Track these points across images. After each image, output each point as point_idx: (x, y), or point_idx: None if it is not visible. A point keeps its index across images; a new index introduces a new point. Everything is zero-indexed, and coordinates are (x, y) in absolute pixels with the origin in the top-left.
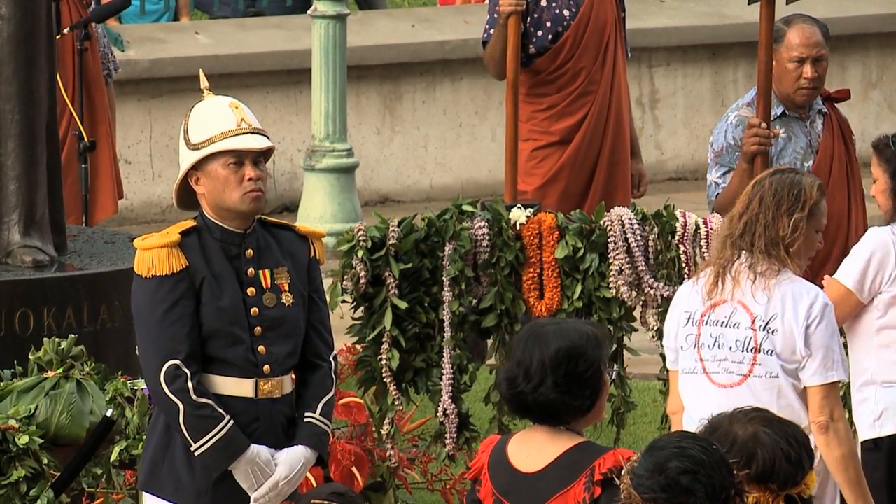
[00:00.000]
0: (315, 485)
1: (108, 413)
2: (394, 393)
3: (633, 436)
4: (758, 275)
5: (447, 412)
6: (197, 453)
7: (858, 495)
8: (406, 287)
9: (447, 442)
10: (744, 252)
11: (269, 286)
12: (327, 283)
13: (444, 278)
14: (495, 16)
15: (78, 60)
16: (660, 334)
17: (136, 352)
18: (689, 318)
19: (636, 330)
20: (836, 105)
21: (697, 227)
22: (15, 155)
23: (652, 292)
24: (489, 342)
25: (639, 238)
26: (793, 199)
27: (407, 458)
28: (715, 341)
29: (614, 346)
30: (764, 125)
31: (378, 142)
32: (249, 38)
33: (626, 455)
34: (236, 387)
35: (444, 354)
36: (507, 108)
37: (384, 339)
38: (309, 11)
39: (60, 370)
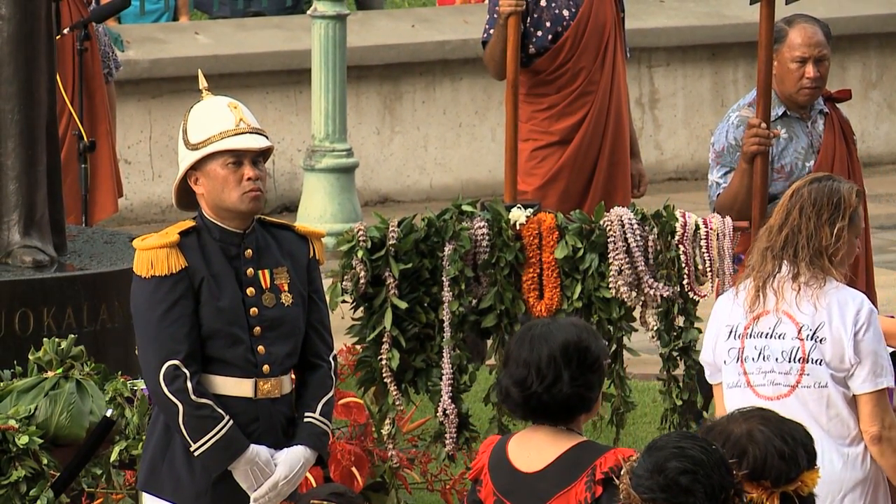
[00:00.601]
0: (315, 485)
1: (108, 413)
2: (394, 393)
3: (633, 436)
4: (802, 285)
5: (447, 412)
6: (196, 453)
7: None
8: (406, 287)
9: (447, 442)
10: (785, 263)
11: (269, 286)
12: (327, 283)
13: (444, 278)
14: (495, 16)
15: (78, 60)
16: (659, 334)
17: (136, 352)
18: (731, 332)
19: (636, 330)
20: (838, 105)
21: (697, 228)
22: (15, 155)
23: (651, 292)
24: (489, 342)
25: (638, 238)
26: (833, 207)
27: (407, 458)
28: (760, 353)
29: (614, 346)
30: (764, 125)
31: (378, 142)
32: (249, 39)
33: (626, 454)
34: (236, 387)
35: (444, 354)
36: (507, 109)
37: (384, 340)
38: (309, 11)
39: (60, 370)
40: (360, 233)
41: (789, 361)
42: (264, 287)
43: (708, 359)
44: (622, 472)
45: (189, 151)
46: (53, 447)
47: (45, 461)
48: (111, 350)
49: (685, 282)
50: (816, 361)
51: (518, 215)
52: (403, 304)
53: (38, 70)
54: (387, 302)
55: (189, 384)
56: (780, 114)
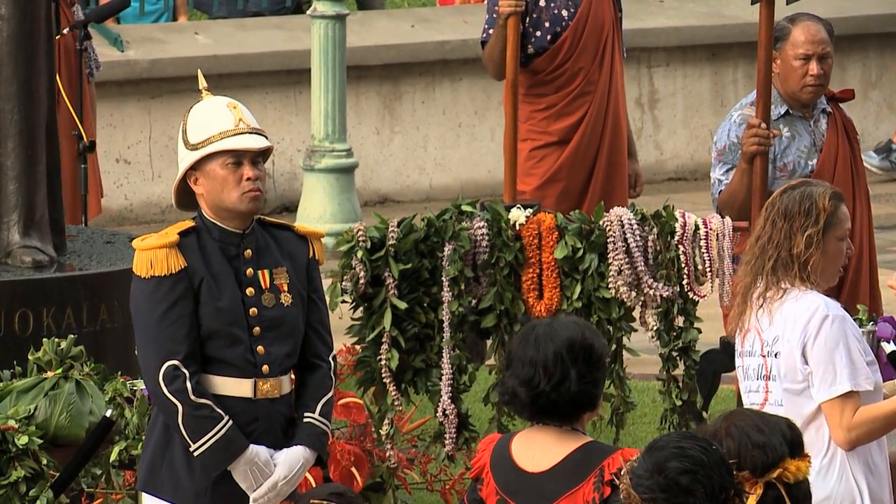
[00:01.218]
0: (314, 485)
1: (108, 413)
2: (393, 393)
3: (633, 436)
4: (766, 298)
5: (446, 412)
6: (196, 453)
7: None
8: (405, 287)
9: (446, 442)
10: (759, 276)
11: (268, 286)
12: (326, 283)
13: (444, 278)
14: (494, 16)
15: (77, 60)
16: (659, 335)
17: (136, 352)
18: (737, 351)
19: (635, 330)
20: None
21: (697, 228)
22: (14, 155)
23: (651, 292)
24: (488, 342)
25: (638, 238)
26: (804, 214)
27: (406, 458)
28: (744, 372)
29: (614, 347)
30: (763, 125)
31: (377, 142)
32: (249, 39)
33: (633, 454)
34: (235, 387)
35: (444, 355)
36: (507, 109)
37: (383, 340)
38: (308, 11)
39: (60, 370)
40: (360, 233)
41: (757, 379)
42: (264, 287)
43: None
44: (622, 472)
45: (189, 151)
46: (53, 447)
47: (44, 461)
48: (111, 350)
49: (685, 282)
50: (774, 378)
51: (518, 215)
52: (403, 305)
53: (37, 70)
54: (386, 302)
55: (188, 384)
56: (782, 112)
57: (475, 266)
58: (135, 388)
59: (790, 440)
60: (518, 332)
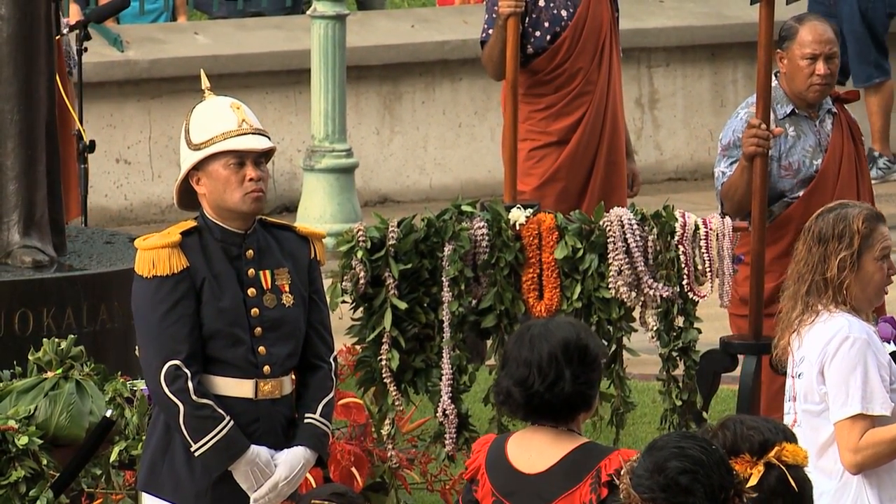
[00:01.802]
0: (315, 485)
1: (108, 413)
2: (393, 393)
3: (633, 436)
4: (799, 321)
5: (447, 412)
6: (197, 454)
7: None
8: (405, 287)
9: (447, 442)
10: (797, 301)
11: (270, 287)
12: (327, 283)
13: (444, 279)
14: (493, 16)
15: (77, 60)
16: (659, 335)
17: (136, 352)
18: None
19: (635, 330)
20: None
21: (697, 228)
22: (14, 155)
23: (651, 293)
24: (488, 343)
25: (638, 238)
26: (837, 238)
27: (406, 458)
28: (787, 394)
29: (614, 347)
30: (763, 126)
31: (377, 142)
32: (249, 39)
33: (630, 455)
34: (236, 387)
35: (444, 355)
36: (506, 109)
37: (384, 340)
38: (308, 12)
39: (60, 370)
40: (360, 233)
41: (789, 401)
42: (265, 288)
43: None
44: (622, 472)
45: (191, 151)
46: (53, 447)
47: (44, 461)
48: (111, 350)
49: (685, 282)
50: (794, 399)
51: (518, 215)
52: (403, 305)
53: (37, 71)
54: (386, 302)
55: (190, 384)
56: (788, 112)
57: (475, 266)
58: (135, 388)
59: (783, 430)
60: (515, 331)
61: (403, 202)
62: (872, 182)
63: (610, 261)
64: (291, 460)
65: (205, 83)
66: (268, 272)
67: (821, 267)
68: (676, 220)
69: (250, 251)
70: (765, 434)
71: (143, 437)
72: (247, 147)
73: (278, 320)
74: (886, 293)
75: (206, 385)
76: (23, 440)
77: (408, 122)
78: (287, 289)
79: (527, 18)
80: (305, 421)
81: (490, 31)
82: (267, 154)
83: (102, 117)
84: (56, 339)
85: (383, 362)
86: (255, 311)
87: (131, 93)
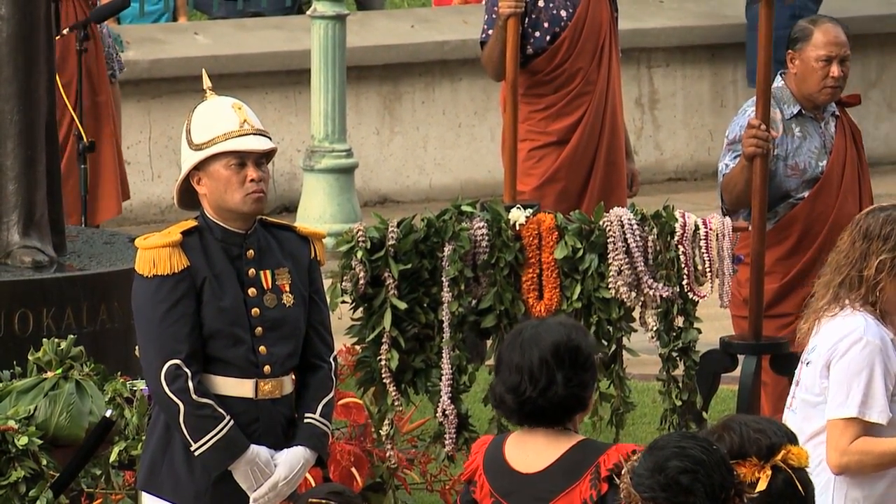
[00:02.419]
0: (314, 485)
1: (108, 413)
2: (393, 393)
3: (633, 436)
4: (823, 312)
5: (446, 413)
6: (197, 453)
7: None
8: (405, 287)
9: (446, 442)
10: (827, 290)
11: (270, 287)
12: (326, 283)
13: (444, 279)
14: (493, 16)
15: (77, 60)
16: (658, 335)
17: (136, 352)
18: None
19: (635, 330)
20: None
21: (697, 228)
22: (14, 155)
23: (651, 293)
24: (488, 343)
25: (638, 238)
26: (882, 239)
27: (406, 458)
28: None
29: (614, 347)
30: (763, 127)
31: (377, 142)
32: (248, 39)
33: (627, 449)
34: (236, 387)
35: (444, 355)
36: (506, 109)
37: (383, 340)
38: (308, 12)
39: (60, 371)
40: (360, 233)
41: (794, 384)
42: (266, 288)
43: None
44: (623, 472)
45: (192, 151)
46: (53, 448)
47: (44, 462)
48: (111, 350)
49: (685, 282)
50: (798, 383)
51: (517, 216)
52: (403, 305)
53: (37, 70)
54: (386, 302)
55: (190, 384)
56: (794, 112)
57: (475, 266)
58: (135, 388)
59: (786, 432)
60: (507, 336)
61: (403, 202)
62: None
63: (610, 261)
64: (291, 460)
65: (206, 83)
66: (268, 272)
67: (860, 263)
68: (676, 220)
69: (251, 251)
70: (771, 437)
71: (143, 438)
72: (248, 148)
73: (279, 320)
74: None
75: (206, 385)
76: (22, 440)
77: (408, 123)
78: (287, 289)
79: (526, 19)
80: (305, 421)
81: (490, 32)
82: (268, 155)
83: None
84: (56, 340)
85: (383, 362)
86: (255, 310)
87: (131, 93)
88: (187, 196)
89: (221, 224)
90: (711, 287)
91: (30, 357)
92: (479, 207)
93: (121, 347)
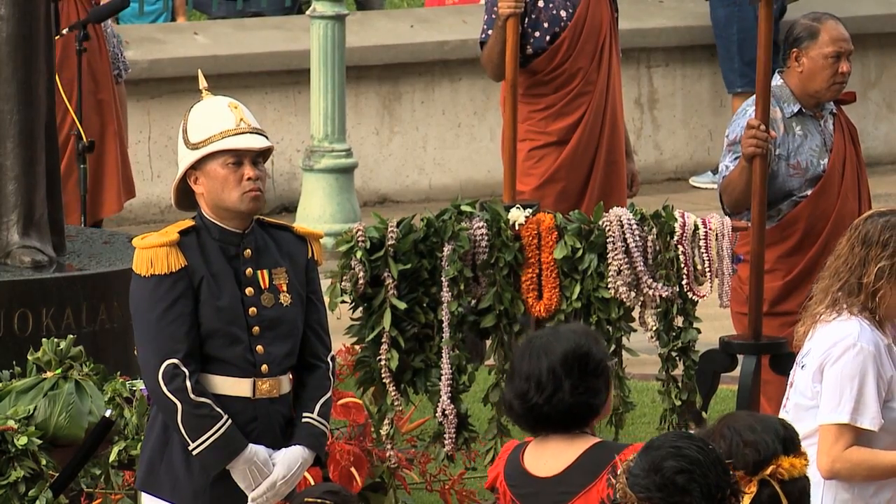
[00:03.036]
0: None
1: (107, 413)
2: (393, 393)
3: (632, 436)
4: (819, 317)
5: (446, 412)
6: (195, 452)
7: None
8: (405, 287)
9: (446, 442)
10: (825, 296)
11: (268, 286)
12: (326, 283)
13: (443, 279)
14: (493, 16)
15: (77, 60)
16: (658, 335)
17: (135, 351)
18: None
19: (635, 330)
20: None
21: (696, 228)
22: (14, 155)
23: (650, 293)
24: (488, 342)
25: (637, 238)
26: (881, 245)
27: (406, 458)
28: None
29: (613, 347)
30: (763, 127)
31: (377, 142)
32: (248, 39)
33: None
34: (234, 386)
35: (443, 355)
36: (506, 109)
37: (383, 340)
38: (308, 12)
39: (59, 370)
40: (359, 233)
41: (789, 386)
42: (263, 287)
43: None
44: (619, 472)
45: (189, 151)
46: (52, 447)
47: (43, 461)
48: (110, 350)
49: (684, 282)
50: (791, 385)
51: (517, 215)
52: (402, 305)
53: (36, 70)
54: (386, 302)
55: (188, 383)
56: (794, 111)
57: (474, 266)
58: (134, 388)
59: (783, 438)
60: (521, 343)
61: (403, 202)
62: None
63: (609, 261)
64: (289, 459)
65: (202, 83)
66: (265, 271)
67: (859, 270)
68: (676, 220)
69: (248, 250)
70: (761, 451)
71: (142, 437)
72: (244, 146)
73: (276, 319)
74: None
75: (203, 384)
76: (22, 440)
77: (407, 122)
78: (285, 288)
79: (526, 19)
80: (303, 420)
81: (489, 32)
82: (265, 153)
83: None
84: (55, 339)
85: (382, 362)
86: (252, 310)
87: (131, 93)
88: (185, 196)
89: (219, 223)
90: (711, 287)
91: (29, 357)
92: (479, 207)
93: (120, 347)
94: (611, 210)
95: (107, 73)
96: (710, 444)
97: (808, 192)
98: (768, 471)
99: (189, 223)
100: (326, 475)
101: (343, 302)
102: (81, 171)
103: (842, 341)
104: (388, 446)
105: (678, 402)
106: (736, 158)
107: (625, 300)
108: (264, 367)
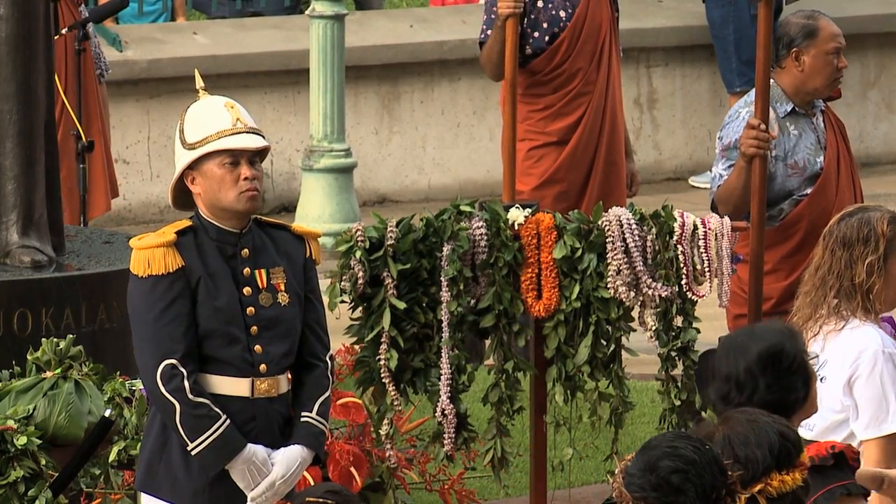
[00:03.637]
0: (313, 485)
1: (107, 413)
2: (392, 393)
3: (632, 436)
4: (823, 326)
5: (445, 412)
6: (194, 452)
7: None
8: (404, 287)
9: (445, 442)
10: (820, 307)
11: (266, 286)
12: (325, 283)
13: (443, 278)
14: (492, 16)
15: (76, 61)
16: (657, 334)
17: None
18: None
19: (634, 330)
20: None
21: (695, 228)
22: (13, 155)
23: (650, 292)
24: (487, 342)
25: (637, 238)
26: (863, 242)
27: (405, 458)
28: None
29: (612, 347)
30: (763, 127)
31: (376, 142)
32: (247, 39)
33: (827, 446)
34: (233, 386)
35: (443, 354)
36: (505, 109)
37: (382, 340)
38: (307, 12)
39: (59, 370)
40: (359, 233)
41: None
42: (261, 287)
43: None
44: (616, 472)
45: (186, 151)
46: (52, 447)
47: (43, 461)
48: (110, 350)
49: (683, 282)
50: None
51: (516, 215)
52: (402, 305)
53: (36, 70)
54: (385, 302)
55: (186, 383)
56: (788, 110)
57: (474, 266)
58: (133, 387)
59: (778, 452)
60: (721, 342)
61: (402, 202)
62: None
63: (609, 260)
64: (288, 459)
65: (199, 83)
66: (263, 271)
67: (848, 272)
68: (675, 219)
69: (245, 250)
70: (750, 470)
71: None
72: (241, 146)
73: (274, 319)
74: None
75: (202, 384)
76: (21, 440)
77: (406, 122)
78: (283, 287)
79: (525, 19)
80: (302, 420)
81: (489, 32)
82: (262, 153)
83: None
84: (55, 339)
85: (382, 362)
86: (250, 309)
87: (130, 93)
88: (182, 196)
89: (216, 223)
90: (710, 287)
91: (29, 357)
92: (478, 207)
93: (120, 347)
94: (610, 210)
95: (91, 73)
96: (708, 444)
97: (808, 191)
98: (756, 488)
99: (186, 223)
100: (326, 475)
101: (342, 302)
102: (81, 170)
103: (867, 350)
104: (388, 446)
105: (677, 402)
106: (730, 166)
107: (624, 300)
108: (262, 367)
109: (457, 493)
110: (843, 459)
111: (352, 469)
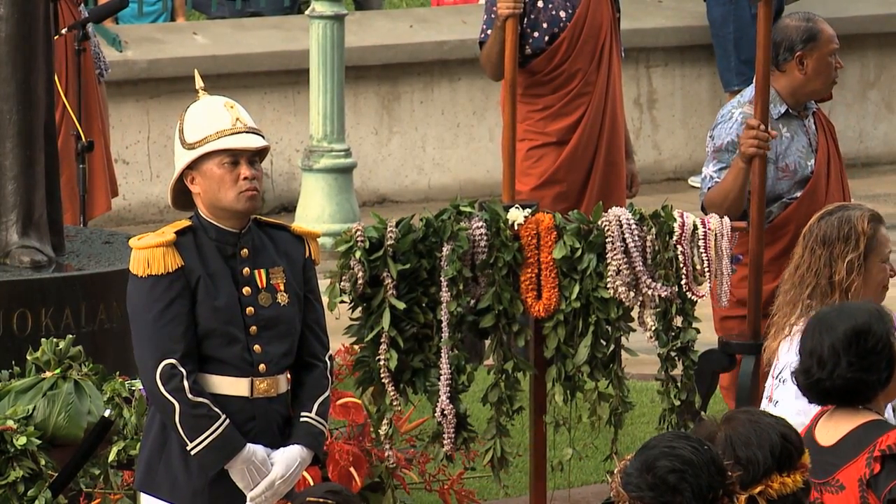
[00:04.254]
0: (313, 485)
1: (106, 413)
2: (392, 393)
3: (631, 436)
4: (793, 326)
5: (445, 412)
6: (193, 452)
7: None
8: (404, 287)
9: (445, 442)
10: (796, 305)
11: (265, 286)
12: (325, 283)
13: (442, 279)
14: (492, 16)
15: (75, 61)
16: (657, 335)
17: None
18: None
19: (634, 330)
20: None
21: (695, 228)
22: (13, 155)
23: (650, 293)
24: (487, 342)
25: (636, 238)
26: (843, 240)
27: (405, 458)
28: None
29: (612, 347)
30: (763, 127)
31: (376, 142)
32: (247, 39)
33: None
34: (232, 386)
35: (442, 355)
36: (505, 109)
37: (382, 340)
38: (307, 12)
39: (58, 370)
40: (358, 233)
41: (766, 400)
42: (260, 286)
43: None
44: (615, 472)
45: (185, 151)
46: (51, 447)
47: (43, 461)
48: (109, 350)
49: (683, 282)
50: (775, 402)
51: (516, 215)
52: (401, 305)
53: (36, 70)
54: (385, 302)
55: (185, 383)
56: (782, 112)
57: (473, 266)
58: (133, 388)
59: (780, 453)
60: (810, 319)
61: (402, 202)
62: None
63: (608, 261)
64: (288, 459)
65: (198, 83)
66: (262, 271)
67: (827, 270)
68: (675, 219)
69: (245, 250)
70: (750, 471)
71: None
72: (241, 146)
73: (274, 319)
74: (886, 288)
75: (201, 384)
76: (21, 440)
77: (406, 122)
78: (282, 287)
79: (525, 19)
80: (301, 419)
81: (488, 32)
82: (261, 153)
83: None
84: (54, 339)
85: (382, 362)
86: (250, 309)
87: (130, 93)
88: (182, 196)
89: (215, 223)
90: (710, 287)
91: (28, 357)
92: (478, 207)
93: (119, 347)
94: (610, 210)
95: (91, 73)
96: (707, 444)
97: (798, 194)
98: (756, 490)
99: (186, 223)
100: (325, 475)
101: (342, 302)
102: (80, 171)
103: None
104: (387, 446)
105: (677, 403)
106: (721, 168)
107: (624, 300)
108: (262, 367)
109: (456, 493)
110: None
111: (351, 469)
